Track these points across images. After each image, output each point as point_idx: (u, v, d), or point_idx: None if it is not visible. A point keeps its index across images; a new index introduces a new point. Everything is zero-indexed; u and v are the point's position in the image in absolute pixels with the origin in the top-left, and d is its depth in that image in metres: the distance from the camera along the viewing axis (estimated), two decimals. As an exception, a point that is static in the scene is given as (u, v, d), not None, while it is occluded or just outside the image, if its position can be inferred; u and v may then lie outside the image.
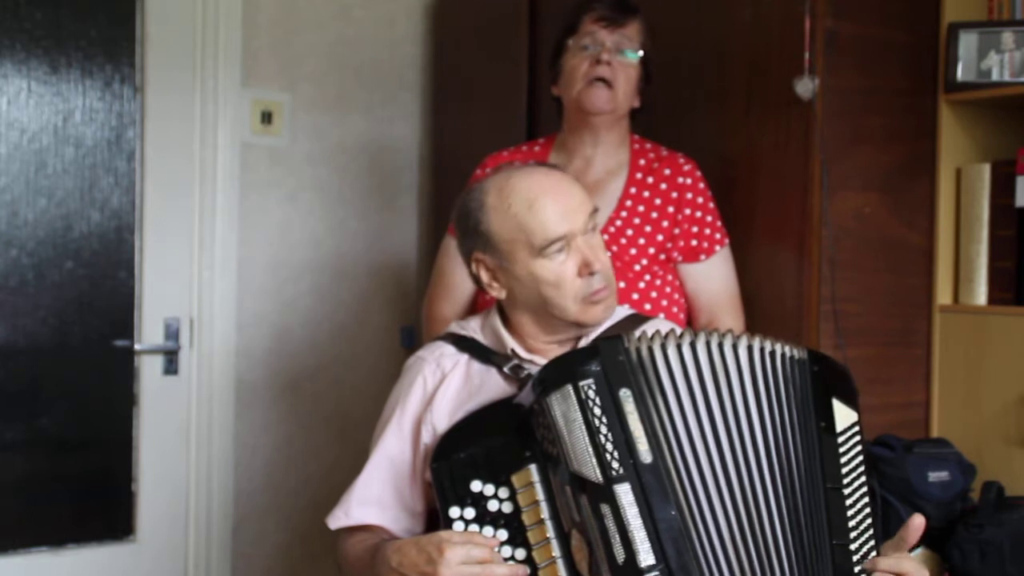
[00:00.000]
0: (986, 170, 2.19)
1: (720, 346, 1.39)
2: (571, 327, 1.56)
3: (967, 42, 2.16)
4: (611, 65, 2.06)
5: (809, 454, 1.38)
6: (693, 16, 2.35)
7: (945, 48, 2.20)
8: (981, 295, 2.19)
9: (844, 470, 1.39)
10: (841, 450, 1.40)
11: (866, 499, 1.40)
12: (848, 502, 1.37)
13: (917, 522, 1.37)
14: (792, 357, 1.42)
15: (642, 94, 2.15)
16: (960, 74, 2.17)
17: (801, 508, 1.35)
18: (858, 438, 1.42)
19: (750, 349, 1.40)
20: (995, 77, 2.14)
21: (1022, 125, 2.27)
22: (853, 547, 1.35)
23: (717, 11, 2.30)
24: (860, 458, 1.41)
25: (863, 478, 1.41)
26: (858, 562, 1.35)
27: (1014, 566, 1.91)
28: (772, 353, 1.41)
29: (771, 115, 2.17)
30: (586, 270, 1.51)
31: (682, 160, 2.17)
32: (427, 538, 1.39)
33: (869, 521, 1.39)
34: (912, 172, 2.23)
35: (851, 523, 1.37)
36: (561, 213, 1.50)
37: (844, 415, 1.42)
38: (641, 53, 2.10)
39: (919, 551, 2.04)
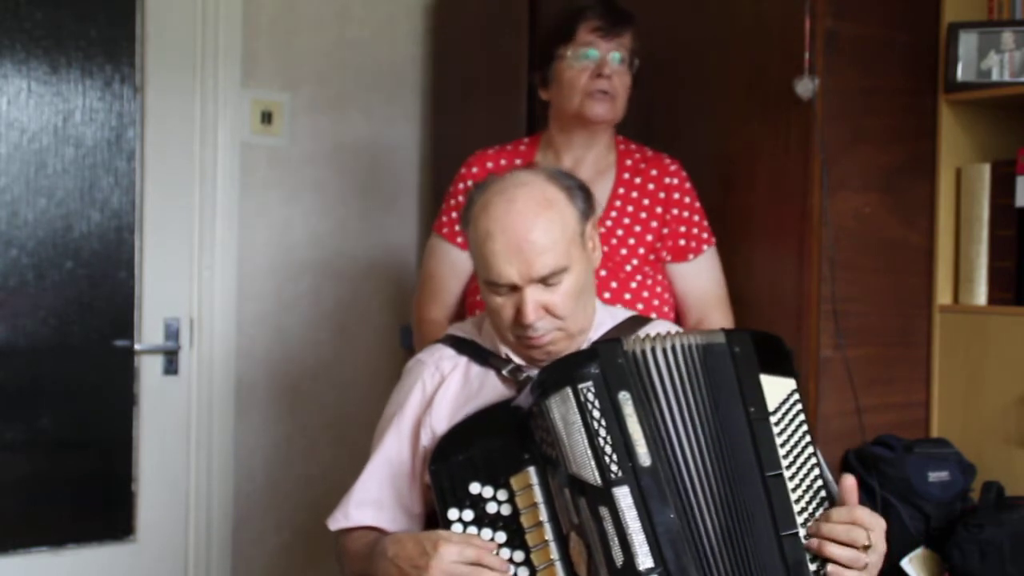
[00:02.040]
0: (986, 170, 2.19)
1: (699, 346, 1.39)
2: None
3: (967, 42, 2.16)
4: (611, 78, 2.06)
5: (742, 445, 1.36)
6: (693, 16, 2.35)
7: (945, 48, 2.20)
8: (981, 295, 2.19)
9: (784, 451, 1.36)
10: (778, 429, 1.37)
11: (816, 472, 1.38)
12: (792, 484, 1.36)
13: (848, 482, 1.37)
14: (709, 346, 1.40)
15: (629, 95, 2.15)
16: (960, 74, 2.17)
17: (750, 504, 1.34)
18: (798, 407, 1.40)
19: (716, 348, 1.39)
20: (995, 77, 2.14)
21: (1022, 125, 2.27)
22: (803, 532, 1.34)
23: (717, 11, 2.30)
24: (803, 428, 1.39)
25: (809, 449, 1.38)
26: (804, 550, 1.34)
27: (1014, 566, 1.91)
28: (706, 347, 1.39)
29: (771, 115, 2.17)
30: (520, 320, 1.47)
31: (668, 160, 2.18)
32: (426, 534, 1.40)
33: (823, 495, 1.38)
34: (912, 172, 2.23)
35: (799, 505, 1.35)
36: (511, 262, 1.45)
37: (777, 388, 1.39)
38: (637, 62, 2.11)
39: (919, 551, 2.04)
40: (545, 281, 1.46)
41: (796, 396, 1.41)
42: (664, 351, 1.38)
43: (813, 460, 1.39)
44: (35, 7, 2.68)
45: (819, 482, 1.38)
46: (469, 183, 2.19)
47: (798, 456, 1.38)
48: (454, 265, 2.22)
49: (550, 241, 1.45)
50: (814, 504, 1.37)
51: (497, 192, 1.49)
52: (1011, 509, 1.98)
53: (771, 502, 1.34)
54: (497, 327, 1.54)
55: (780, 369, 1.40)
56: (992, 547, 1.94)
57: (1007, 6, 2.19)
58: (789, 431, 1.38)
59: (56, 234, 2.72)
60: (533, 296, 1.46)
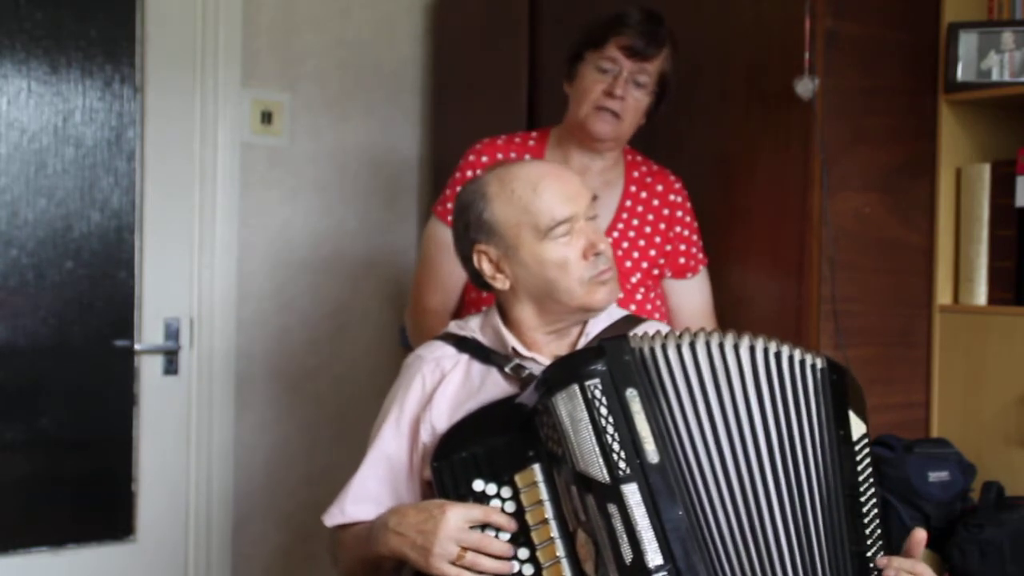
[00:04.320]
0: (986, 170, 2.19)
1: (721, 346, 1.38)
2: (575, 313, 1.56)
3: (967, 42, 2.16)
4: (624, 99, 2.03)
5: (828, 460, 1.37)
6: (693, 16, 2.35)
7: (945, 48, 2.20)
8: (981, 295, 2.19)
9: (859, 479, 1.39)
10: (855, 459, 1.40)
11: (876, 509, 1.40)
12: (863, 510, 1.38)
13: (919, 536, 1.39)
14: (806, 363, 1.41)
15: (650, 113, 2.13)
16: (960, 74, 2.17)
17: (811, 512, 1.34)
18: (868, 450, 1.43)
19: (751, 350, 1.39)
20: (995, 77, 2.14)
21: (1022, 125, 2.27)
22: (868, 554, 1.36)
23: (717, 11, 2.30)
24: (871, 469, 1.41)
25: (873, 490, 1.41)
26: (872, 570, 1.35)
27: (1014, 566, 1.92)
28: (777, 355, 1.39)
29: (771, 115, 2.17)
30: (591, 251, 1.52)
31: (672, 178, 2.19)
32: (428, 501, 1.41)
33: (880, 531, 1.39)
34: (912, 172, 2.23)
35: (865, 531, 1.37)
36: (565, 196, 1.52)
37: (857, 427, 1.42)
38: (654, 86, 2.07)
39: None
40: (587, 213, 1.55)
41: (867, 440, 1.43)
42: (691, 347, 1.37)
43: (875, 499, 1.40)
44: (35, 7, 2.68)
45: (876, 521, 1.39)
46: (478, 171, 2.15)
47: (866, 491, 1.39)
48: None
49: (574, 175, 1.59)
50: (875, 536, 1.38)
51: (503, 168, 1.58)
52: (1011, 509, 1.98)
53: (844, 516, 1.35)
54: (561, 281, 1.52)
55: (859, 410, 1.43)
56: (992, 547, 1.94)
57: (1007, 6, 2.20)
58: (861, 466, 1.40)
59: (56, 234, 2.72)
60: (591, 226, 1.55)
